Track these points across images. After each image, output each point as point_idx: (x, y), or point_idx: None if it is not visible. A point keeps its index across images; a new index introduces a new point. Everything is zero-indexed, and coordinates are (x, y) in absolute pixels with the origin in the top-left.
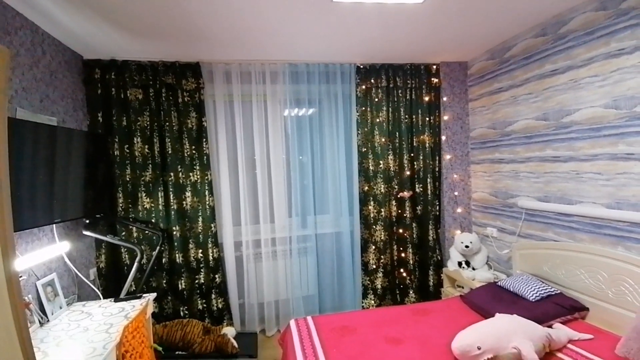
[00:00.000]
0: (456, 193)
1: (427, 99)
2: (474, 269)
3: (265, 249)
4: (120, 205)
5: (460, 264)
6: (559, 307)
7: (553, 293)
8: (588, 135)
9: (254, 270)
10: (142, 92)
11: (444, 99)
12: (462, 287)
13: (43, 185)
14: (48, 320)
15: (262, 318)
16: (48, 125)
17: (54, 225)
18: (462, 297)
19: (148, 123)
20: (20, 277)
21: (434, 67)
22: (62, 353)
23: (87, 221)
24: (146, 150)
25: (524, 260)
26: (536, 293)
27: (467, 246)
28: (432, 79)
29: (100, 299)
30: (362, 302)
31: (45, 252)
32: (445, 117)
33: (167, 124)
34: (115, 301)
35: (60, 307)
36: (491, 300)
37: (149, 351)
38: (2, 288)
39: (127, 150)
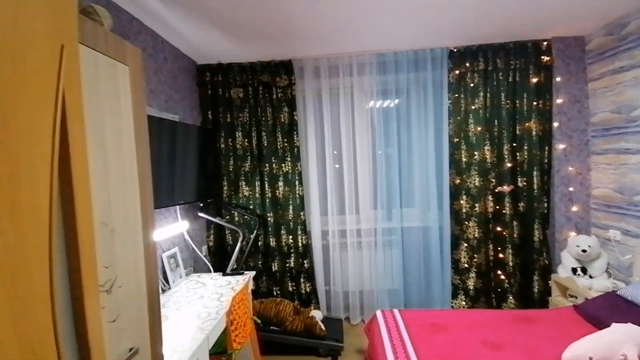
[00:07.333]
0: (571, 189)
1: (535, 80)
2: (591, 276)
3: (350, 239)
4: (225, 192)
5: (574, 270)
6: None
7: None
8: None
9: (339, 259)
10: (243, 90)
11: (557, 79)
12: (576, 297)
13: (169, 172)
14: (169, 288)
15: (347, 306)
16: (171, 120)
17: (177, 206)
18: (575, 308)
19: (247, 119)
20: None
21: (544, 43)
22: (181, 316)
23: (201, 205)
24: (246, 143)
25: None
26: None
27: (584, 250)
28: (542, 57)
29: (211, 272)
30: (452, 302)
31: (171, 229)
32: (559, 101)
33: (263, 119)
34: (223, 275)
35: (180, 277)
36: (607, 310)
37: (250, 321)
38: (140, 254)
39: (231, 144)
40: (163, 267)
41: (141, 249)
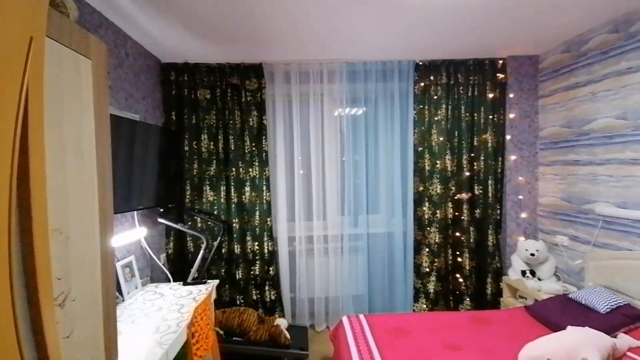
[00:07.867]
0: (521, 197)
1: (491, 95)
2: (539, 279)
3: (317, 246)
4: (188, 197)
5: (524, 273)
6: (625, 318)
7: (622, 304)
8: None
9: (306, 266)
10: (210, 92)
11: (511, 95)
12: (525, 298)
13: (127, 175)
14: (123, 300)
15: (312, 313)
16: (130, 119)
17: (135, 212)
18: (526, 308)
19: (214, 121)
20: None
21: (500, 61)
22: (135, 330)
23: (161, 210)
24: (211, 146)
25: (598, 272)
26: (607, 304)
27: (532, 254)
28: (498, 74)
29: (170, 281)
30: (414, 306)
31: (127, 236)
32: (511, 115)
33: (231, 122)
34: (184, 284)
35: (136, 287)
36: (561, 312)
37: (213, 333)
38: (97, 264)
39: (195, 146)
40: (117, 277)
41: (98, 258)
